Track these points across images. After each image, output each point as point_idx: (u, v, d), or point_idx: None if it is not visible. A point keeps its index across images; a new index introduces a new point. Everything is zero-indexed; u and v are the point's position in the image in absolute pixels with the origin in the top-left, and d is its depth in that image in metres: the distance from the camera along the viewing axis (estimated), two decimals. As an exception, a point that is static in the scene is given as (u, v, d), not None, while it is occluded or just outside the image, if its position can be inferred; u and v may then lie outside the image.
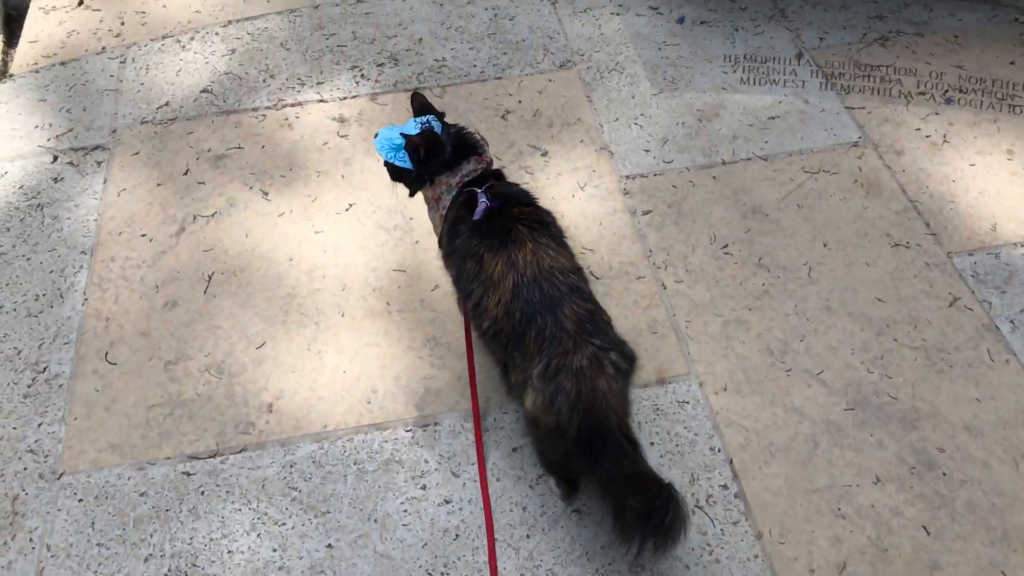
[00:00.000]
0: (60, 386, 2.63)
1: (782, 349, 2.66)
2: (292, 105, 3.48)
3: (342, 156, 3.27)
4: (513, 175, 3.16)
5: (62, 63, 3.70)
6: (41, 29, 3.88)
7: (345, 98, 3.50)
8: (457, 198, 2.31)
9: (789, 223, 3.01)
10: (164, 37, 3.79)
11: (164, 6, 3.96)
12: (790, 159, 3.22)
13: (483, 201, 2.24)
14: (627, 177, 3.18)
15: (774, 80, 3.52)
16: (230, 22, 3.86)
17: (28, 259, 2.97)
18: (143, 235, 3.03)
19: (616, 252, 2.94)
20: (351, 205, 3.10)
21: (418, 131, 2.27)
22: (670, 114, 3.40)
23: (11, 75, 3.66)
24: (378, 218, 3.05)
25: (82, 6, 3.98)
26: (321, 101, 3.49)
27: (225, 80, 3.59)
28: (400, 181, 2.43)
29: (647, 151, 3.26)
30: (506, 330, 2.11)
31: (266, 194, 3.15)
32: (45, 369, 2.68)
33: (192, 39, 3.78)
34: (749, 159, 3.23)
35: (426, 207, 2.46)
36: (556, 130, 3.36)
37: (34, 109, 3.49)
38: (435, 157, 2.30)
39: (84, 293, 2.87)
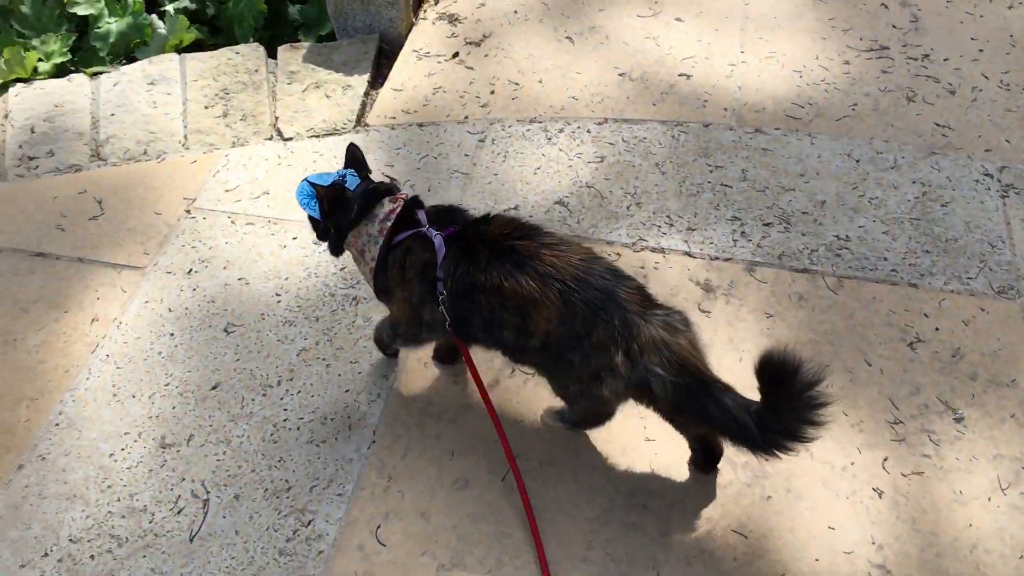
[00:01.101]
0: (320, 553, 2.25)
1: None
2: (653, 250, 2.92)
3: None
4: (910, 436, 2.42)
5: (420, 124, 3.36)
6: (408, 77, 3.57)
7: (717, 258, 2.89)
8: (399, 245, 2.20)
9: None
10: (531, 121, 3.36)
11: (540, 81, 3.53)
12: None
13: (436, 235, 2.16)
14: (1071, 494, 2.34)
15: None
16: (607, 120, 3.35)
17: (328, 365, 2.63)
18: (453, 378, 2.60)
19: (1040, 612, 2.13)
20: (697, 415, 2.49)
21: (329, 183, 2.21)
22: None
23: (367, 125, 3.38)
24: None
25: (456, 59, 3.64)
26: (687, 254, 2.90)
27: (585, 195, 3.09)
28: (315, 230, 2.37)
29: (1106, 461, 2.40)
30: (563, 337, 2.04)
31: (600, 364, 2.62)
32: (310, 523, 2.31)
33: (561, 131, 3.31)
34: None
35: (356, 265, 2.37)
36: (980, 387, 2.56)
37: (379, 175, 3.17)
38: (339, 211, 2.24)
39: (374, 433, 2.48)
